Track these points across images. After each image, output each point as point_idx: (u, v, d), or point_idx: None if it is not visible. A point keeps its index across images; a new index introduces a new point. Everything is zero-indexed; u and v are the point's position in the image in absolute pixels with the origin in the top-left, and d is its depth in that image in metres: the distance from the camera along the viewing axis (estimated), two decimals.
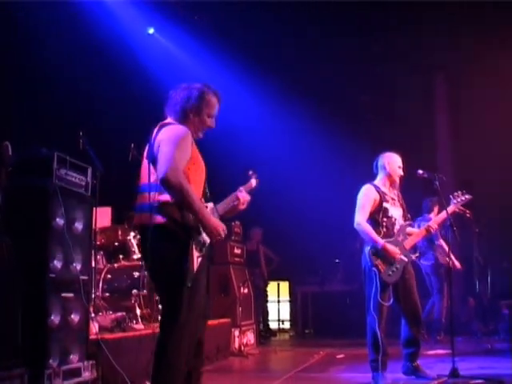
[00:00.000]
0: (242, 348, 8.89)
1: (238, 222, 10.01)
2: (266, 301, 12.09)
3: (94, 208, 6.09)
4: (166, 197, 3.96)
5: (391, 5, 9.66)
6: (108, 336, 5.97)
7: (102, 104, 10.18)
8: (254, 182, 4.90)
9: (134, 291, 7.37)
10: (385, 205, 6.22)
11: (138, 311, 7.24)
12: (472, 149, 11.61)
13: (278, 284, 13.60)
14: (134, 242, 7.89)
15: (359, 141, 11.41)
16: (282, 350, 10.04)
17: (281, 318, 13.81)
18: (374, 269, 6.02)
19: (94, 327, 5.87)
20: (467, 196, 6.45)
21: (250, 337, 9.58)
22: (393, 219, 6.26)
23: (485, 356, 8.07)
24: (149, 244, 3.92)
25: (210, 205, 4.35)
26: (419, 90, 12.15)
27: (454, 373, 6.06)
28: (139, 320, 7.12)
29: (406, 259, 6.18)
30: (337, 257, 12.19)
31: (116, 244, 7.95)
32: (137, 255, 7.84)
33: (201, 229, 4.08)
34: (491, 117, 11.05)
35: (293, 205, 11.85)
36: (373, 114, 12.09)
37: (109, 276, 7.55)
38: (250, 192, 4.73)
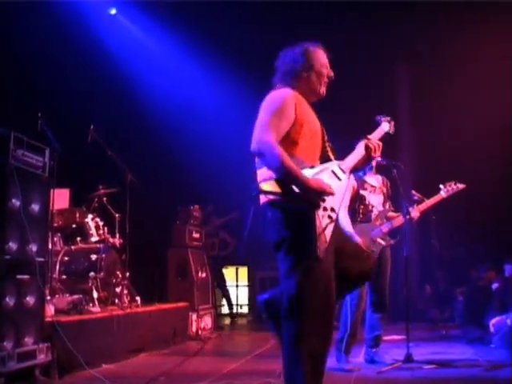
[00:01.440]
0: (200, 332, 8.90)
1: (197, 206, 9.98)
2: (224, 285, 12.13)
3: (52, 189, 6.02)
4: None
5: None
6: (64, 318, 5.95)
7: (62, 85, 10.04)
8: (386, 125, 4.38)
9: (92, 274, 7.34)
10: (362, 192, 6.30)
11: (95, 294, 7.22)
12: (433, 137, 11.73)
13: (237, 269, 13.62)
14: (92, 225, 7.84)
15: (325, 125, 11.44)
16: (239, 334, 10.10)
17: (239, 302, 13.85)
18: None
19: (50, 310, 5.83)
20: (460, 185, 6.50)
21: (208, 321, 9.59)
22: (370, 206, 6.34)
23: (439, 342, 8.22)
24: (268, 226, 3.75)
25: (332, 165, 3.87)
26: (381, 79, 12.20)
27: (409, 358, 6.17)
28: (96, 303, 7.10)
29: (383, 243, 6.26)
30: None
31: (74, 226, 7.89)
32: (95, 238, 7.79)
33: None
34: (453, 106, 11.17)
35: (249, 189, 11.83)
36: (335, 102, 12.09)
37: (66, 258, 7.50)
38: (383, 138, 4.25)
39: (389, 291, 9.21)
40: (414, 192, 7.71)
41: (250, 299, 13.69)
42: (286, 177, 3.58)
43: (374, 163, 6.41)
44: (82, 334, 6.02)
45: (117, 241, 7.99)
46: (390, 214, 6.45)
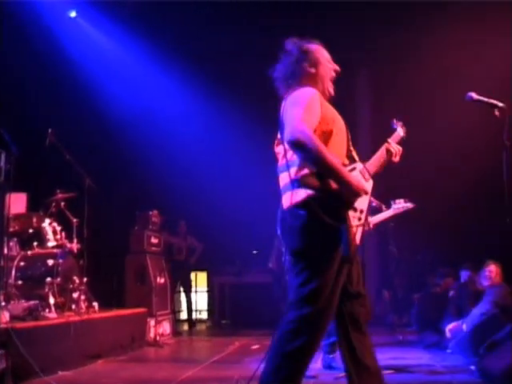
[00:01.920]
0: (158, 338, 8.84)
1: (155, 211, 9.92)
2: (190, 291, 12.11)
3: (8, 193, 5.94)
4: (306, 170, 3.51)
5: None
6: (19, 325, 5.86)
7: (20, 88, 9.91)
8: (400, 130, 4.34)
9: (48, 279, 7.24)
10: None
11: (52, 300, 7.11)
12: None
13: (196, 274, 13.57)
14: (50, 230, 7.74)
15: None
16: (198, 340, 10.07)
17: (198, 308, 13.79)
18: None
19: (5, 316, 5.74)
20: (409, 204, 6.57)
21: (166, 327, 9.54)
22: None
23: (397, 347, 8.27)
24: (299, 223, 3.48)
25: (359, 165, 3.83)
26: (341, 85, 12.27)
27: None
28: (52, 309, 7.00)
29: None
30: (255, 248, 12.25)
31: (31, 231, 7.78)
32: (52, 243, 7.70)
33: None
34: (414, 112, 11.28)
35: (210, 195, 11.82)
36: None
37: (22, 263, 7.39)
38: (400, 142, 4.21)
39: None
40: (372, 199, 7.78)
41: (209, 305, 13.65)
42: (326, 169, 3.42)
43: None
44: (38, 340, 5.94)
45: (74, 246, 7.90)
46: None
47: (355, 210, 3.56)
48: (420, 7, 9.67)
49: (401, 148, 4.03)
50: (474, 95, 4.06)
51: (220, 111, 11.58)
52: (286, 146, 3.54)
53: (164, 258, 10.11)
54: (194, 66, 11.19)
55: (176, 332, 10.35)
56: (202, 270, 13.36)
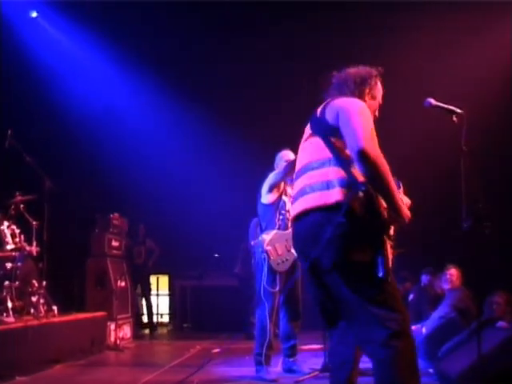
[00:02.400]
0: (118, 342, 8.78)
1: (116, 214, 9.85)
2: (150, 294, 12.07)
3: None
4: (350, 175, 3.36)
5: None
6: None
7: None
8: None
9: (6, 283, 7.15)
10: (284, 198, 6.38)
11: (10, 304, 7.01)
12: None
13: (158, 278, 13.50)
14: (8, 232, 7.63)
15: (242, 133, 11.54)
16: (159, 343, 10.03)
17: (159, 311, 13.73)
18: (263, 254, 6.15)
19: None
20: None
21: (127, 330, 9.47)
22: (288, 214, 6.40)
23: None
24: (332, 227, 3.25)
25: None
26: (303, 88, 12.31)
27: (326, 367, 6.21)
28: (10, 313, 6.90)
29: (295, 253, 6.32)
30: (217, 251, 12.25)
31: None
32: (10, 246, 7.59)
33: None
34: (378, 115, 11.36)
35: (172, 198, 11.78)
36: (260, 109, 12.16)
37: None
38: None
39: (308, 300, 9.32)
40: None
41: (170, 308, 13.59)
42: (384, 189, 3.31)
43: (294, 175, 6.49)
44: None
45: (34, 249, 7.79)
46: None
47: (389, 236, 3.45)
48: (380, 8, 9.74)
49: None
50: (433, 101, 4.10)
51: (182, 114, 11.56)
52: (325, 144, 3.45)
53: (125, 262, 10.04)
54: (155, 66, 11.15)
55: (137, 336, 10.29)
56: (163, 273, 13.29)
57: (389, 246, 3.41)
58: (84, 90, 11.11)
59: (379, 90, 3.76)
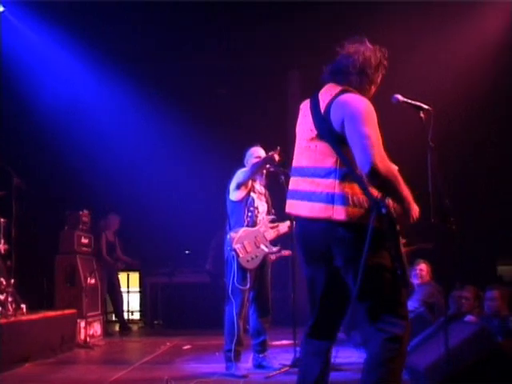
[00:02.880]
0: (88, 339, 8.73)
1: (86, 211, 9.76)
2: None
3: None
4: (355, 187, 3.37)
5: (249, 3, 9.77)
6: None
7: None
8: None
9: None
10: (252, 195, 6.39)
11: None
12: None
13: (128, 275, 13.43)
14: None
15: (215, 131, 11.54)
16: (129, 341, 10.00)
17: (130, 308, 13.66)
18: (232, 253, 6.16)
19: None
20: None
21: (97, 328, 9.42)
22: (257, 211, 6.42)
23: None
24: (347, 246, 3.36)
25: None
26: (272, 89, 12.32)
27: (297, 362, 6.24)
28: None
29: (266, 249, 6.34)
30: (187, 248, 12.22)
31: None
32: None
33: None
34: None
35: (142, 195, 11.73)
36: (230, 107, 12.15)
37: None
38: None
39: (279, 296, 9.36)
40: None
41: (141, 305, 13.53)
42: (398, 201, 3.38)
43: (264, 171, 6.51)
44: None
45: (1, 247, 7.71)
46: (272, 224, 6.55)
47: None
48: (349, 7, 9.76)
49: None
50: (400, 97, 4.11)
51: (153, 110, 11.52)
52: (331, 150, 3.43)
53: (95, 259, 9.97)
54: (127, 62, 11.07)
55: (107, 333, 10.24)
56: (134, 270, 13.22)
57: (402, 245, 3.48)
58: (53, 85, 10.98)
59: (379, 69, 3.70)
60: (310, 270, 3.68)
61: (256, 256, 6.28)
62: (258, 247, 6.31)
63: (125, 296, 12.64)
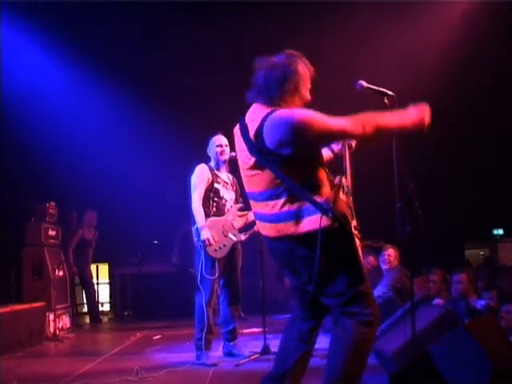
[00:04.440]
0: (58, 332, 8.68)
1: (52, 203, 9.68)
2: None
3: None
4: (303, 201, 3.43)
5: None
6: None
7: None
8: None
9: None
10: (216, 185, 6.38)
11: None
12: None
13: (97, 266, 13.36)
14: None
15: (178, 119, 11.51)
16: (99, 332, 9.97)
17: (100, 300, 13.60)
18: (199, 243, 6.16)
19: None
20: None
21: (66, 320, 9.37)
22: (223, 200, 6.41)
23: None
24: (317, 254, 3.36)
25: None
26: (238, 76, 12.28)
27: (266, 350, 6.27)
28: None
29: (234, 238, 6.34)
30: (155, 238, 12.17)
31: None
32: None
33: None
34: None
35: (108, 185, 11.64)
36: (196, 95, 12.10)
37: None
38: None
39: (250, 284, 9.37)
40: None
41: (111, 297, 13.47)
42: (390, 131, 3.67)
43: (227, 158, 6.50)
44: None
45: None
46: (241, 212, 6.55)
47: (355, 227, 3.59)
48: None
49: None
50: (364, 83, 4.12)
51: (118, 101, 11.43)
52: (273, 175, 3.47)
53: (62, 251, 9.90)
54: (90, 51, 10.96)
55: (77, 325, 10.19)
56: (103, 261, 13.16)
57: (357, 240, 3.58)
58: (12, 72, 10.80)
59: (303, 77, 3.64)
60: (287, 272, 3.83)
61: (224, 245, 6.28)
62: (226, 236, 6.31)
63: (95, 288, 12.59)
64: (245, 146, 3.58)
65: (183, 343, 7.52)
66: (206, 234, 6.15)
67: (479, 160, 11.91)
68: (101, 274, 13.60)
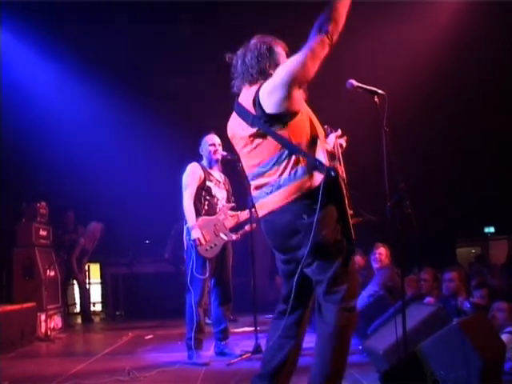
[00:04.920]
0: (49, 332, 8.66)
1: (43, 203, 9.63)
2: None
3: None
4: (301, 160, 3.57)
5: None
6: None
7: None
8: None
9: None
10: (208, 184, 6.38)
11: None
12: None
13: (89, 266, 13.32)
14: None
15: (169, 119, 11.51)
16: (91, 332, 9.94)
17: (92, 300, 13.57)
18: (191, 242, 6.16)
19: None
20: None
21: (58, 321, 9.34)
22: (215, 199, 6.41)
23: None
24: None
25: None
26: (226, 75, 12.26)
27: (258, 349, 6.27)
28: None
29: (225, 238, 6.34)
30: (147, 237, 12.17)
31: None
32: None
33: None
34: None
35: (100, 185, 11.60)
36: (185, 96, 12.08)
37: None
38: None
39: (241, 284, 9.38)
40: None
41: (102, 296, 13.45)
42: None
43: (219, 157, 6.50)
44: None
45: None
46: (232, 212, 6.55)
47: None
48: None
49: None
50: (355, 82, 4.14)
51: (111, 102, 11.42)
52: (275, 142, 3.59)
53: (54, 251, 9.87)
54: (78, 49, 10.92)
55: (68, 326, 10.17)
56: (94, 261, 13.13)
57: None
58: (7, 76, 10.75)
59: (281, 54, 3.78)
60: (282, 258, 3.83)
61: (215, 244, 6.28)
62: (218, 236, 6.31)
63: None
64: (243, 124, 3.70)
65: (175, 343, 7.52)
66: (196, 234, 6.15)
67: (471, 159, 11.95)
68: (92, 274, 13.56)
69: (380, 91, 4.16)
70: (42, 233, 9.49)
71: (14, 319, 7.90)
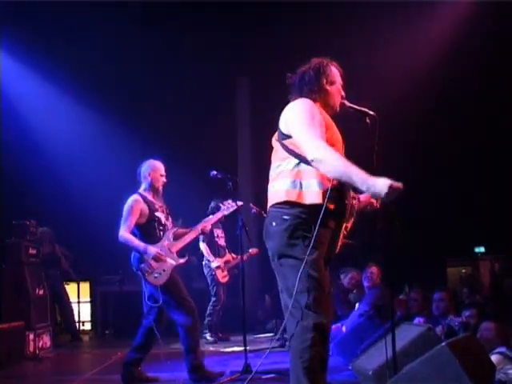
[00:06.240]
0: (38, 351, 8.58)
1: (33, 221, 9.58)
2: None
3: None
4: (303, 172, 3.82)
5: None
6: None
7: None
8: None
9: None
10: (157, 214, 6.29)
11: None
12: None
13: (78, 284, 13.25)
14: None
15: (149, 132, 11.55)
16: (80, 351, 9.87)
17: (81, 319, 13.48)
18: (139, 272, 6.13)
19: None
20: (238, 203, 6.64)
21: (46, 340, 9.26)
22: (166, 227, 6.34)
23: (279, 352, 8.35)
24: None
25: None
26: (221, 93, 12.32)
27: (247, 368, 6.24)
28: None
29: (173, 262, 6.23)
30: None
31: None
32: None
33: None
34: None
35: (89, 203, 11.57)
36: (175, 113, 12.09)
37: None
38: None
39: (231, 304, 9.35)
40: (251, 205, 7.94)
41: (92, 315, 13.36)
42: (348, 180, 3.57)
43: (160, 188, 6.43)
44: None
45: None
46: (180, 230, 6.49)
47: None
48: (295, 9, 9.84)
49: None
50: (346, 102, 4.16)
51: (89, 113, 11.45)
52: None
53: (43, 269, 9.80)
54: (59, 58, 10.93)
55: (57, 345, 10.09)
56: (84, 279, 13.05)
57: (341, 235, 3.94)
58: None
59: (335, 73, 4.11)
60: None
61: (164, 270, 6.17)
62: (165, 261, 6.21)
63: (75, 306, 12.49)
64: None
65: (164, 362, 7.48)
66: (153, 249, 6.10)
67: (461, 179, 11.98)
68: (82, 292, 13.47)
69: (371, 112, 4.17)
70: (32, 251, 9.41)
71: (2, 338, 7.83)
